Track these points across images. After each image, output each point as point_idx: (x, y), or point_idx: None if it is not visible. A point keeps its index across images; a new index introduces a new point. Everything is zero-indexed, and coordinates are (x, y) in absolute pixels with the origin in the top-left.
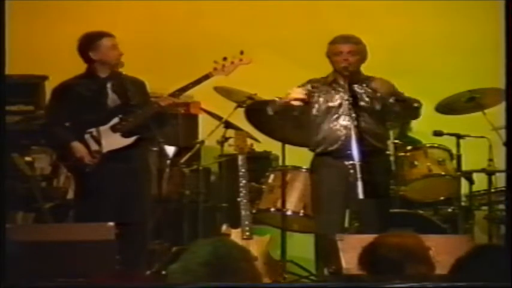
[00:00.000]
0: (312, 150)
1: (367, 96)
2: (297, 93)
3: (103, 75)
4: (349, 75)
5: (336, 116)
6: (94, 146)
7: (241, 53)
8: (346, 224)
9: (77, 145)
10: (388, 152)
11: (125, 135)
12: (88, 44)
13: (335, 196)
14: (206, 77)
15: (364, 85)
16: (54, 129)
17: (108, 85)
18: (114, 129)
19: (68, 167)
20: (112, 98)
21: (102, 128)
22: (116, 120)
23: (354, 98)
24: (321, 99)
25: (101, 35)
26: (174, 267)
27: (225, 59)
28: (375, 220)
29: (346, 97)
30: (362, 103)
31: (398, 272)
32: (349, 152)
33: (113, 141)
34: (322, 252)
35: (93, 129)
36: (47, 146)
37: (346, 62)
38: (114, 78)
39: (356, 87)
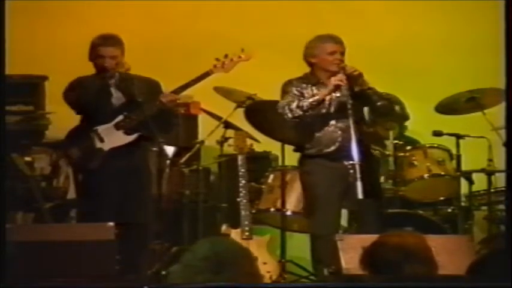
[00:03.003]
0: (300, 152)
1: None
2: None
3: (107, 75)
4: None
5: (329, 117)
6: (98, 144)
7: (242, 50)
8: (345, 224)
9: None
10: (376, 151)
11: (128, 132)
12: (90, 48)
13: (332, 198)
14: (206, 74)
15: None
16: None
17: (112, 84)
18: (117, 126)
19: (71, 164)
20: (117, 97)
21: (106, 126)
22: (120, 117)
23: (352, 98)
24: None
25: (99, 43)
26: (175, 268)
27: (226, 56)
28: (370, 220)
29: (334, 97)
30: (351, 102)
31: (401, 272)
32: (346, 153)
33: (115, 138)
34: (318, 253)
35: (98, 127)
36: (47, 145)
37: (340, 62)
38: (119, 77)
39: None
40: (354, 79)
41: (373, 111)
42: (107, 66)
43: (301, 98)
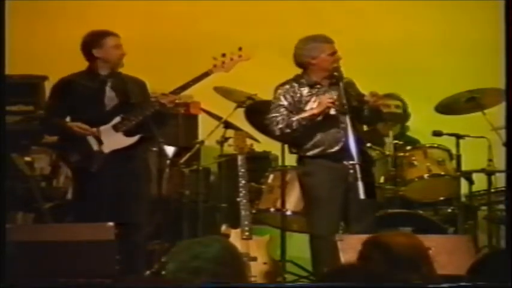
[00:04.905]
0: (300, 153)
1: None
2: None
3: (103, 73)
4: (340, 76)
5: (330, 118)
6: (97, 146)
7: (240, 49)
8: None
9: (75, 123)
10: (376, 151)
11: (128, 134)
12: (93, 41)
13: (334, 198)
14: (206, 74)
15: (340, 84)
16: (54, 121)
17: (108, 83)
18: (116, 128)
19: (70, 167)
20: (110, 96)
21: (103, 128)
22: (117, 119)
23: (348, 99)
24: (310, 103)
25: (106, 33)
26: (172, 266)
27: (223, 55)
28: (368, 220)
29: (335, 97)
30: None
31: (396, 271)
32: (348, 153)
33: (116, 140)
34: (318, 253)
35: (95, 129)
36: (47, 145)
37: (339, 62)
38: (114, 76)
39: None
40: (373, 106)
41: (359, 119)
42: (114, 56)
43: (291, 114)
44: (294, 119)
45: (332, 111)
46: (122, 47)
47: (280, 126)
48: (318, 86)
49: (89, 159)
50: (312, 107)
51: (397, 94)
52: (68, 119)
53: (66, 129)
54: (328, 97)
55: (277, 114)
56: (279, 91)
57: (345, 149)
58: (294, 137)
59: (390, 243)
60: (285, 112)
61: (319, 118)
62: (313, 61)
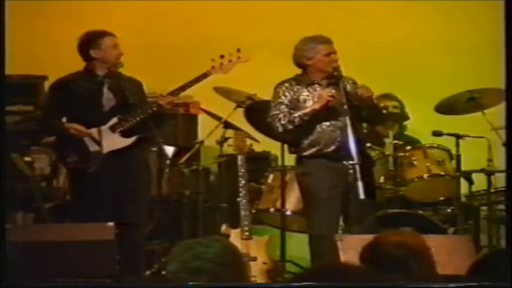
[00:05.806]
0: (298, 153)
1: (348, 96)
2: None
3: (101, 73)
4: (339, 75)
5: (327, 117)
6: (94, 147)
7: (238, 50)
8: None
9: (72, 125)
10: (376, 151)
11: (125, 135)
12: (90, 41)
13: (333, 198)
14: (204, 75)
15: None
16: (51, 122)
17: (105, 84)
18: (113, 129)
19: (68, 168)
20: (107, 97)
21: (101, 128)
22: (114, 120)
23: (347, 98)
24: (309, 101)
25: (103, 33)
26: (173, 267)
27: (222, 56)
28: (368, 220)
29: (334, 91)
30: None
31: (399, 270)
32: (345, 152)
33: (113, 141)
34: (318, 253)
35: (92, 130)
36: (47, 145)
37: (338, 62)
38: (112, 77)
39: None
40: (365, 100)
41: (359, 118)
42: (111, 56)
43: (292, 111)
44: (295, 115)
45: (330, 104)
46: (119, 47)
47: (282, 122)
48: (317, 85)
49: (86, 160)
50: (311, 104)
51: (394, 94)
52: (64, 119)
53: (63, 130)
54: (328, 91)
55: (278, 112)
56: (278, 89)
57: (343, 148)
58: (292, 136)
59: (378, 243)
60: (285, 109)
61: (320, 114)
62: (309, 62)
